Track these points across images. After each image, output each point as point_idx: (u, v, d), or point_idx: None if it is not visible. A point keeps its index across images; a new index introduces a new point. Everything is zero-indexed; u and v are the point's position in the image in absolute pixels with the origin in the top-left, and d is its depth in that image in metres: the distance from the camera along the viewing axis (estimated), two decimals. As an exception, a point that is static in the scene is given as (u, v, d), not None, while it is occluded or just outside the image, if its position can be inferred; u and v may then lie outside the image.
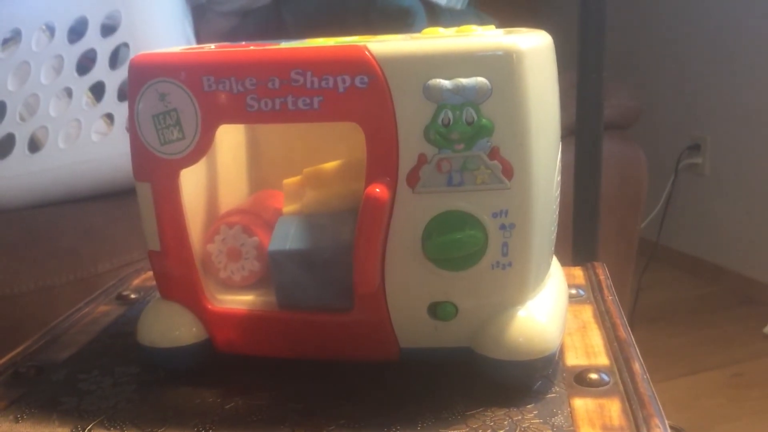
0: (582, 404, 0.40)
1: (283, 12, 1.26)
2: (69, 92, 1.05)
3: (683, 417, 1.49)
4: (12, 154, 1.06)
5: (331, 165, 0.47)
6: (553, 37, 0.44)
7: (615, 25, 2.23)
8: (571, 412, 0.40)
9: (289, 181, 0.48)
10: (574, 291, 0.55)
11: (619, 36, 2.25)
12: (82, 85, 1.05)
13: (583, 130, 0.64)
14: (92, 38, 1.03)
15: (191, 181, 0.45)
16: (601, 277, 0.57)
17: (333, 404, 0.42)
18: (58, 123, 1.04)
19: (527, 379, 0.42)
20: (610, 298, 0.53)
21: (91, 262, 0.90)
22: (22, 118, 1.07)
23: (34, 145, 1.07)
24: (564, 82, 0.65)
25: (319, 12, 1.24)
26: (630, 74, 2.21)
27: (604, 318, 0.50)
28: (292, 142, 0.52)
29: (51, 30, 1.07)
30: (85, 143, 1.03)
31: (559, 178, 0.45)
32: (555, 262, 0.49)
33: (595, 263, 0.61)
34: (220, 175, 0.50)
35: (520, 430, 0.38)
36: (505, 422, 0.39)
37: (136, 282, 0.64)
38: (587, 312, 0.52)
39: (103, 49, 1.02)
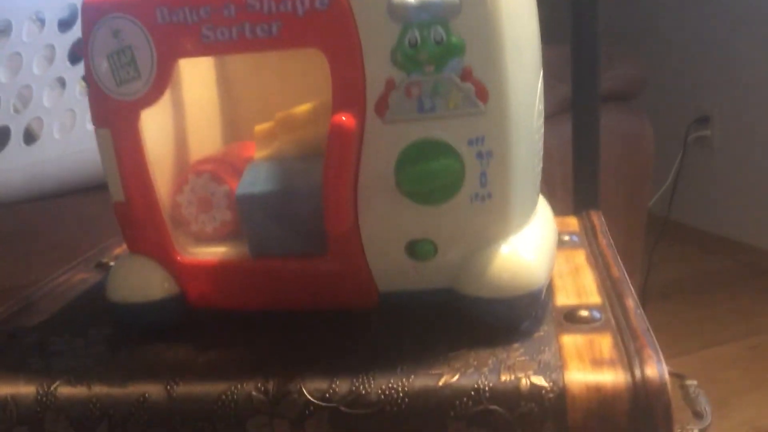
0: (571, 340, 0.38)
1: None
2: (62, 82, 1.04)
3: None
4: (7, 147, 1.05)
5: (303, 108, 0.45)
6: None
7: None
8: (559, 349, 0.37)
9: (261, 127, 0.46)
10: (567, 237, 0.53)
11: (624, 4, 2.22)
12: (75, 75, 1.03)
13: (579, 73, 0.62)
14: (83, 27, 1.01)
15: (157, 128, 0.43)
16: (596, 224, 0.55)
17: (310, 354, 0.40)
18: (53, 113, 1.03)
19: (513, 317, 0.40)
20: (604, 241, 0.51)
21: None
22: (16, 110, 1.06)
23: (30, 137, 1.06)
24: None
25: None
26: (636, 44, 2.17)
27: (597, 260, 0.48)
28: (270, 88, 0.50)
29: (41, 20, 1.05)
30: (81, 133, 1.01)
31: (541, 107, 0.42)
32: (543, 201, 0.46)
33: (591, 211, 0.58)
34: (191, 124, 0.48)
35: (504, 367, 0.36)
36: (489, 361, 0.37)
37: (117, 251, 0.62)
38: (580, 256, 0.50)
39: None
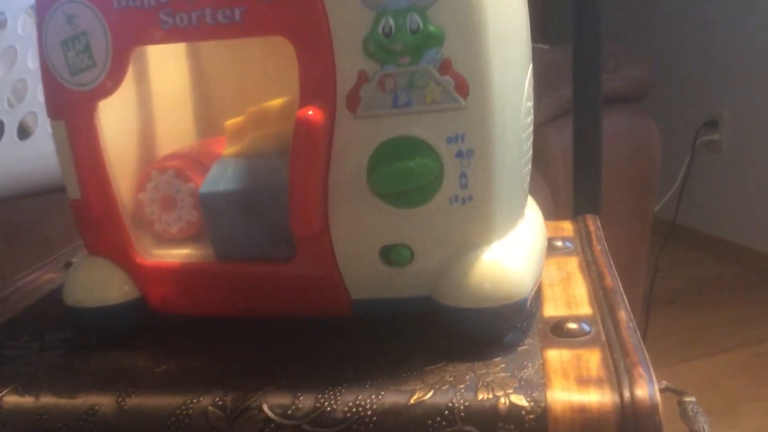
0: (556, 355, 0.35)
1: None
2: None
3: (704, 398, 1.42)
4: (1, 141, 1.03)
5: (276, 102, 0.42)
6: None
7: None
8: (543, 364, 0.34)
9: (232, 122, 0.43)
10: (560, 243, 0.50)
11: (632, 4, 2.19)
12: (69, 69, 1.01)
13: (581, 74, 0.59)
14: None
15: (118, 121, 0.40)
16: (591, 228, 0.52)
17: (276, 364, 0.37)
18: (48, 108, 1.01)
19: (495, 329, 0.37)
20: (599, 248, 0.48)
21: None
22: (11, 104, 1.04)
23: (24, 132, 1.03)
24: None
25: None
26: (643, 45, 2.13)
27: (590, 268, 0.45)
28: (250, 81, 0.47)
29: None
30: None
31: (530, 104, 0.39)
32: (532, 204, 0.43)
33: (587, 215, 0.55)
34: (160, 118, 0.45)
35: (483, 384, 0.33)
36: (467, 377, 0.34)
37: (90, 251, 0.59)
38: (572, 263, 0.46)
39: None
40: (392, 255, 0.37)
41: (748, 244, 1.99)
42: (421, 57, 0.33)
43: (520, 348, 0.36)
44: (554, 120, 1.29)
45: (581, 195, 0.61)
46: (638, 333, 0.36)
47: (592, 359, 0.34)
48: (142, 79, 0.43)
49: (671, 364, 1.55)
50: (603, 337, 0.36)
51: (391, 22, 0.33)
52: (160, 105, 0.45)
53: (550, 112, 1.28)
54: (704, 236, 2.12)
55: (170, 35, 0.35)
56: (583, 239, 0.50)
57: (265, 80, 0.46)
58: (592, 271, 0.44)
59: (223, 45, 0.47)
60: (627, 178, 1.38)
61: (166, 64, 0.46)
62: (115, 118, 0.40)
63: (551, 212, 1.29)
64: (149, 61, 0.44)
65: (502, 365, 0.35)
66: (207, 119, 0.49)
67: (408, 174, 0.35)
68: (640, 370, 0.32)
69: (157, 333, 0.41)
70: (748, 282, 1.91)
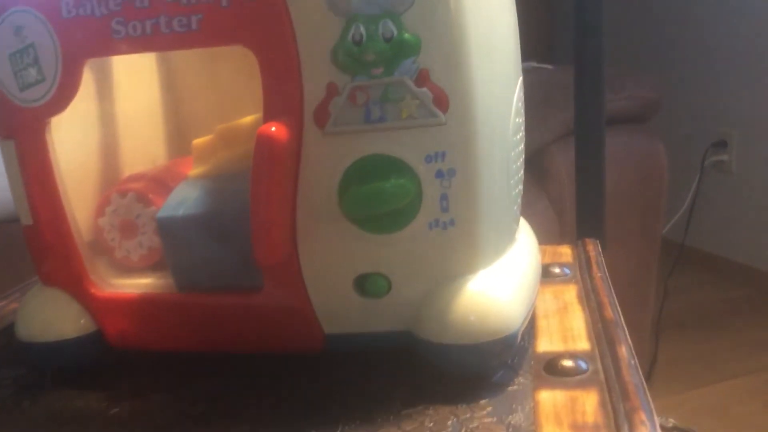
0: (549, 398, 0.31)
1: None
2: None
3: (715, 426, 1.38)
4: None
5: (247, 119, 0.39)
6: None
7: (636, 14, 2.15)
8: (534, 407, 0.31)
9: (200, 140, 0.40)
10: (558, 270, 0.46)
11: (640, 25, 2.16)
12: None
13: (583, 94, 0.56)
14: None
15: (75, 140, 0.38)
16: (592, 254, 0.48)
17: (239, 406, 0.34)
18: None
19: (481, 367, 0.33)
20: (599, 274, 0.44)
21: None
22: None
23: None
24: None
25: None
26: (650, 64, 2.11)
27: (589, 297, 0.41)
28: (226, 96, 0.44)
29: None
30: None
31: (520, 120, 0.36)
32: (525, 227, 0.40)
33: (587, 240, 0.52)
34: (125, 136, 0.42)
35: (466, 430, 0.30)
36: (449, 422, 0.30)
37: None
38: (571, 292, 0.43)
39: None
40: (368, 285, 0.33)
41: (759, 266, 1.95)
42: (396, 67, 0.30)
43: (509, 388, 0.33)
44: (559, 140, 1.26)
45: (584, 218, 0.57)
46: (640, 372, 0.32)
47: (589, 402, 0.30)
48: (106, 95, 0.40)
49: (681, 391, 1.50)
50: (601, 376, 0.32)
51: (362, 29, 0.30)
52: (126, 122, 0.42)
53: (555, 132, 1.25)
54: (714, 258, 2.07)
55: (123, 46, 0.32)
56: (583, 265, 0.47)
57: (243, 95, 0.43)
58: (591, 301, 0.41)
59: (197, 57, 0.44)
60: (634, 199, 1.34)
61: (134, 79, 0.43)
62: (71, 137, 0.37)
63: (557, 234, 1.26)
64: (114, 76, 0.41)
65: (489, 408, 0.31)
66: (180, 137, 0.46)
67: (383, 196, 0.31)
68: (642, 416, 0.28)
69: (115, 369, 0.38)
70: (759, 305, 1.86)
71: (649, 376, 1.53)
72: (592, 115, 0.58)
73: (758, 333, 1.71)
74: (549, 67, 1.54)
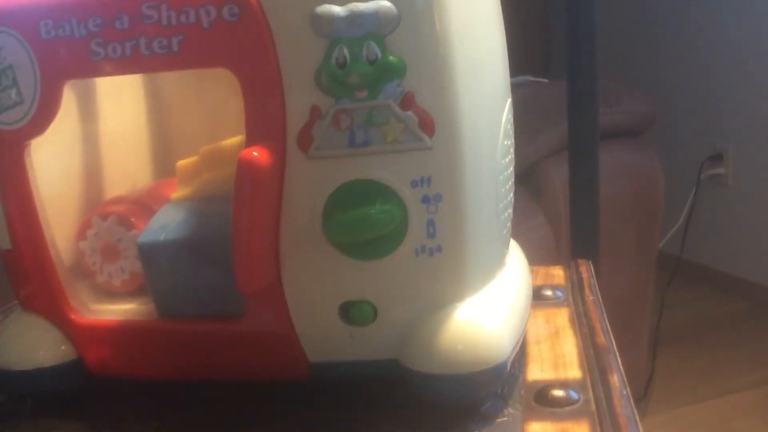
0: (539, 430, 0.30)
1: None
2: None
3: (713, 442, 1.37)
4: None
5: (232, 141, 0.38)
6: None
7: (630, 27, 2.15)
8: (523, 441, 0.30)
9: (184, 162, 0.39)
10: (550, 292, 0.45)
11: (634, 38, 2.17)
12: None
13: (576, 109, 0.55)
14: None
15: (57, 162, 0.37)
16: (584, 276, 0.47)
17: (221, 437, 0.33)
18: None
19: (469, 397, 0.32)
20: (591, 298, 0.43)
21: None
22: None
23: None
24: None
25: None
26: (645, 78, 2.10)
27: (581, 322, 0.41)
28: (211, 117, 0.43)
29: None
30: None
31: (509, 142, 0.36)
32: (515, 249, 0.39)
33: (579, 260, 0.51)
34: (111, 158, 0.41)
35: (452, 466, 0.29)
36: (435, 456, 0.30)
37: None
38: (562, 316, 0.42)
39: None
40: (353, 313, 0.32)
41: (756, 279, 1.94)
42: (380, 91, 0.30)
43: (498, 420, 0.32)
44: (555, 154, 1.26)
45: (579, 237, 0.57)
46: (632, 403, 0.31)
47: (579, 435, 0.30)
48: (88, 115, 0.40)
49: (679, 405, 1.49)
50: (593, 407, 0.32)
51: (346, 52, 0.29)
52: (109, 143, 0.41)
53: (550, 146, 1.25)
54: (711, 272, 2.07)
55: (103, 68, 0.31)
56: (575, 288, 0.46)
57: (229, 115, 0.43)
58: (583, 326, 0.40)
59: (182, 76, 0.43)
60: (630, 213, 1.34)
61: (118, 99, 0.42)
62: (51, 159, 0.36)
63: (553, 249, 1.25)
64: (97, 96, 0.40)
65: (477, 441, 0.30)
66: (165, 158, 0.45)
67: (368, 222, 0.31)
68: (634, 450, 0.28)
69: (95, 398, 0.37)
70: (757, 319, 1.86)
71: (646, 391, 1.52)
72: (586, 131, 0.58)
73: (757, 347, 1.71)
74: (544, 81, 1.54)
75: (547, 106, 1.25)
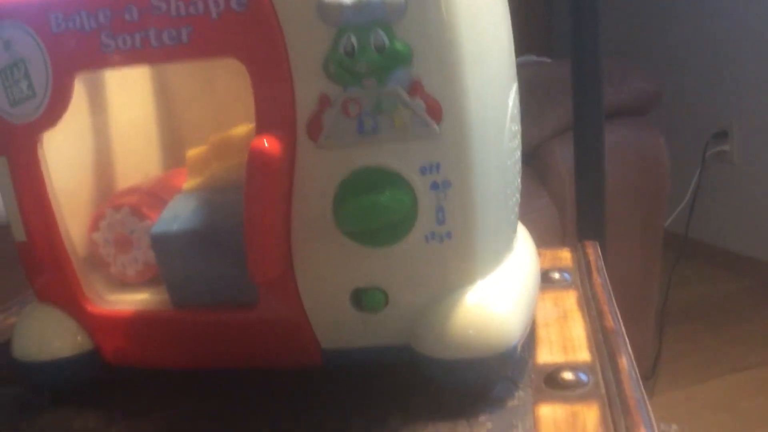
0: (549, 413, 0.31)
1: None
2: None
3: (721, 419, 1.38)
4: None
5: (241, 130, 0.39)
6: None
7: (634, 5, 2.13)
8: (534, 423, 0.30)
9: (193, 152, 0.40)
10: (557, 275, 0.46)
11: (639, 16, 2.15)
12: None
13: (581, 89, 0.55)
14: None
15: (69, 154, 0.37)
16: (591, 258, 0.48)
17: (238, 424, 0.33)
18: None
19: (480, 382, 0.33)
20: (599, 281, 0.44)
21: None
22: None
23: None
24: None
25: None
26: (649, 56, 2.09)
27: (589, 305, 0.41)
28: (222, 107, 0.43)
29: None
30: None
31: (516, 127, 0.36)
32: (523, 233, 0.39)
33: (587, 242, 0.51)
34: (121, 149, 0.41)
35: (465, 449, 0.29)
36: (448, 439, 0.30)
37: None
38: (570, 299, 0.42)
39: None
40: (364, 299, 0.33)
41: (762, 257, 1.94)
42: (388, 78, 0.30)
43: (509, 403, 0.32)
44: (560, 135, 1.25)
45: (585, 218, 0.57)
46: (641, 384, 0.32)
47: (590, 418, 0.30)
48: (98, 108, 0.40)
49: (686, 385, 1.49)
50: (602, 390, 0.32)
51: (354, 39, 0.30)
52: (119, 134, 0.42)
53: (555, 127, 1.24)
54: (718, 250, 2.06)
55: (113, 59, 0.32)
56: (583, 270, 0.46)
57: (238, 104, 0.43)
58: (591, 309, 0.40)
59: (191, 66, 0.43)
60: (636, 192, 1.34)
61: (128, 90, 0.42)
62: (64, 151, 0.36)
63: (559, 230, 1.25)
64: (107, 88, 0.41)
65: (489, 424, 0.31)
66: (175, 148, 0.45)
67: (378, 209, 0.31)
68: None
69: (113, 387, 0.38)
70: (764, 296, 1.86)
71: (653, 370, 1.52)
72: (590, 111, 0.58)
73: (764, 325, 1.71)
74: (548, 60, 1.53)
75: (550, 86, 1.24)
